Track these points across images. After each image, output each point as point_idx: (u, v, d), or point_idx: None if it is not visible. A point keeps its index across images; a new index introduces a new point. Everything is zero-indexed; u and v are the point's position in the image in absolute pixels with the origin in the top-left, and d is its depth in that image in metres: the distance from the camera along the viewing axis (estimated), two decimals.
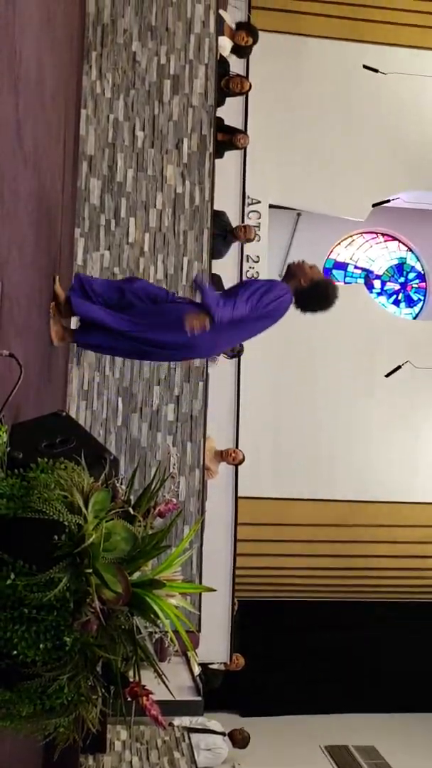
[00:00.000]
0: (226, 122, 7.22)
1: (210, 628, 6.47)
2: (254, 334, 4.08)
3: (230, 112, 7.51)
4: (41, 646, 1.90)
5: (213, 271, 6.13)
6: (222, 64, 6.71)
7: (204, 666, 7.43)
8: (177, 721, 6.89)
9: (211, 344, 4.06)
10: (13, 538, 1.92)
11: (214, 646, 7.37)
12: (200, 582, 5.44)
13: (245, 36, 7.04)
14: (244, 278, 8.61)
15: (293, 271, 4.00)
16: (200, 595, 5.08)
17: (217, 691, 7.80)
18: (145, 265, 5.58)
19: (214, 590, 2.42)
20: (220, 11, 6.25)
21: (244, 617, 8.52)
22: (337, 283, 4.26)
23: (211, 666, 7.63)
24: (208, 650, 7.13)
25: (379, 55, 9.14)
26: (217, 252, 6.63)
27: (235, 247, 7.57)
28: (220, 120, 6.64)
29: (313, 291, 3.96)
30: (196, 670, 7.14)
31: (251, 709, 9.50)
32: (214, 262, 6.12)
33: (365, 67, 8.41)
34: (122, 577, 1.91)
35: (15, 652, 1.89)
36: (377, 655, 9.87)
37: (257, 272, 9.26)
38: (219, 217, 6.58)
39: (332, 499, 9.32)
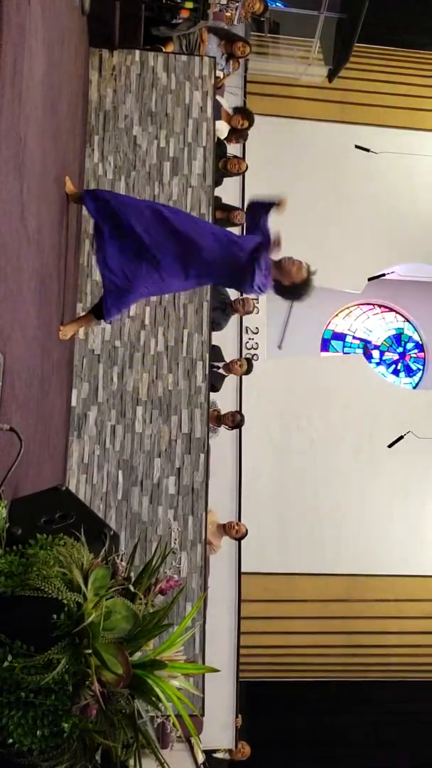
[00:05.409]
0: (224, 200, 7.46)
1: (214, 711, 6.22)
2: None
3: (228, 190, 7.76)
4: (38, 732, 1.82)
5: (213, 343, 6.19)
6: (219, 146, 6.98)
7: (208, 754, 7.09)
8: None
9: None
10: (10, 617, 1.87)
11: (218, 731, 7.06)
12: (203, 662, 5.26)
13: (241, 119, 7.37)
14: (244, 350, 8.70)
15: (282, 268, 4.26)
16: (203, 676, 4.90)
17: None
18: (145, 337, 5.64)
19: (218, 671, 2.34)
20: (217, 97, 6.54)
21: (249, 699, 8.20)
22: (314, 284, 4.36)
23: (215, 755, 7.27)
24: (211, 736, 6.82)
25: (369, 136, 9.53)
26: (216, 324, 6.73)
27: (234, 318, 7.68)
28: (218, 199, 6.85)
29: (289, 288, 4.26)
30: (200, 758, 6.80)
31: None
32: (214, 333, 6.19)
33: (357, 147, 8.74)
34: (123, 657, 1.85)
35: (11, 741, 1.81)
36: (395, 737, 9.45)
37: (257, 343, 9.38)
38: (218, 290, 6.70)
39: (338, 574, 9.12)
